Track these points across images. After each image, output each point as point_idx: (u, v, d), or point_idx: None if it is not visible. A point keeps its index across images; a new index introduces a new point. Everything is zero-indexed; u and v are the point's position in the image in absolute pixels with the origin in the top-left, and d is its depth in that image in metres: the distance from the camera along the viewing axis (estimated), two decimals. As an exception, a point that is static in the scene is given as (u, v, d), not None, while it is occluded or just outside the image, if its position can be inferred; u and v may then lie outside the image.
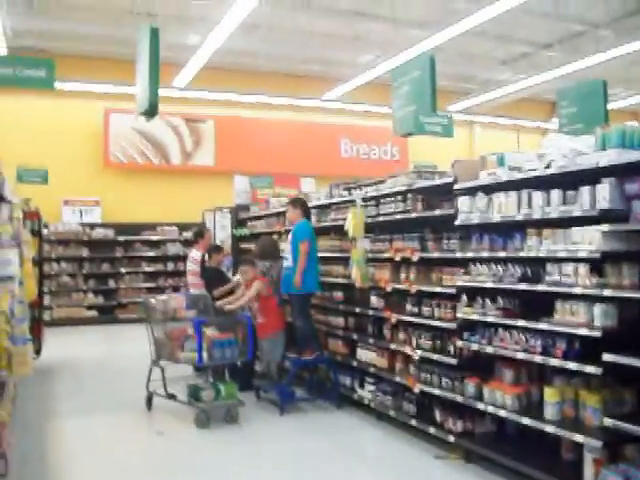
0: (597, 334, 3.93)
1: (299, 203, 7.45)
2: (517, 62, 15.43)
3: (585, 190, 4.09)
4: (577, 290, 4.10)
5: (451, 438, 5.22)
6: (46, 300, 13.00)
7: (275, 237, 8.91)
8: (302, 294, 7.05)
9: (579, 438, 4.07)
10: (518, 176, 4.66)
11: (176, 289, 12.59)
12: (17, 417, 6.28)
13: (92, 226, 14.64)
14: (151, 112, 6.76)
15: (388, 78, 7.45)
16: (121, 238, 14.80)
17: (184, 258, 14.69)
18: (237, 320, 6.89)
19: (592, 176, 4.06)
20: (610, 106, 7.28)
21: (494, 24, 11.48)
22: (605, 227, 3.88)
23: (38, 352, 9.20)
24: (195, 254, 8.61)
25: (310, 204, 8.02)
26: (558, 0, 11.41)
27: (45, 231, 12.84)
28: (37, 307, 8.90)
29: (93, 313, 14.37)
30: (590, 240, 4.03)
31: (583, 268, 4.10)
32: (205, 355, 6.34)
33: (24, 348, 4.55)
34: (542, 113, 18.84)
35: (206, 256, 8.43)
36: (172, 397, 6.75)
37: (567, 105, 7.58)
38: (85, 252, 14.48)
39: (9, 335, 3.84)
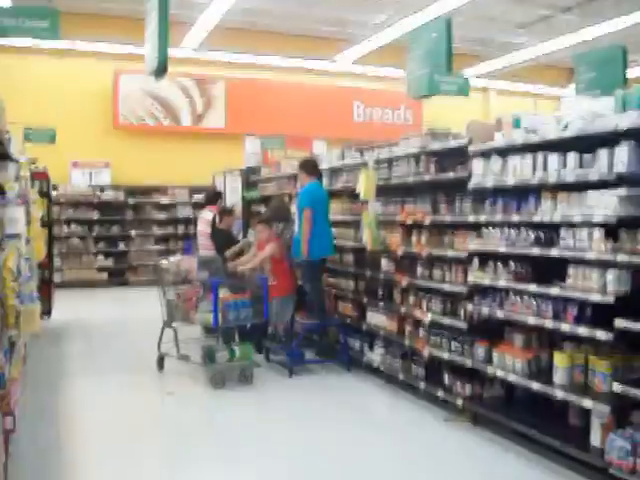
0: (609, 300, 3.92)
1: (308, 165, 7.38)
2: (535, 26, 15.13)
3: (603, 153, 4.03)
4: (591, 255, 4.08)
5: (459, 401, 5.25)
6: (56, 262, 13.08)
7: (286, 199, 8.89)
8: (310, 260, 7.02)
9: (588, 403, 4.08)
10: (534, 138, 4.59)
11: (186, 251, 12.61)
12: (28, 376, 6.37)
13: (102, 188, 14.65)
14: (160, 72, 6.71)
15: (402, 41, 7.39)
16: (131, 200, 14.82)
17: (195, 221, 14.81)
18: (253, 281, 6.92)
19: (611, 139, 3.99)
20: (630, 73, 7.16)
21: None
22: (622, 191, 3.83)
23: (48, 313, 9.31)
24: (207, 215, 8.63)
25: (322, 166, 7.98)
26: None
27: (54, 193, 12.86)
28: (46, 268, 8.96)
29: (103, 275, 14.46)
30: (606, 205, 3.98)
31: (598, 233, 4.06)
32: (220, 316, 6.39)
33: (32, 306, 4.58)
34: (560, 79, 18.53)
35: (217, 218, 8.44)
36: (185, 358, 6.80)
37: (585, 71, 7.46)
38: (95, 214, 14.52)
39: (16, 293, 3.86)
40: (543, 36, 14.55)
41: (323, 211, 7.10)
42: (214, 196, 9.13)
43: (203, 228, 8.57)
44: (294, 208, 7.80)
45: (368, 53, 14.80)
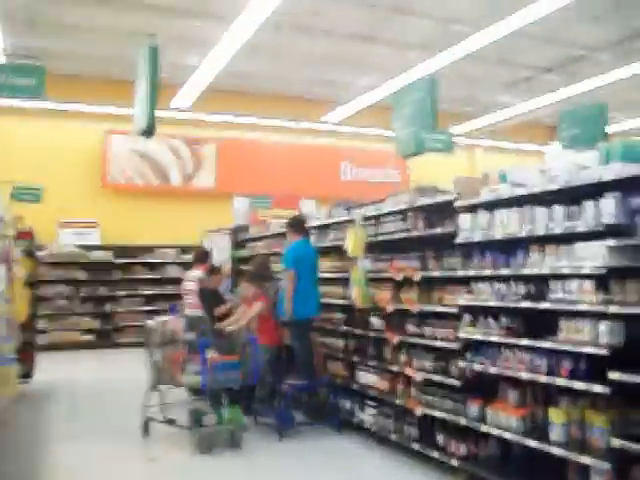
0: (603, 352, 3.86)
1: (294, 223, 7.43)
2: (518, 85, 15.50)
3: (589, 205, 4.05)
4: (582, 307, 4.03)
5: (454, 462, 5.11)
6: (41, 323, 12.88)
7: (269, 257, 8.80)
8: (295, 320, 6.97)
9: (586, 460, 3.97)
10: (520, 192, 4.61)
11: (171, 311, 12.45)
12: (7, 442, 6.16)
13: (90, 248, 14.55)
14: (148, 131, 6.76)
15: (389, 101, 7.50)
16: (119, 260, 14.73)
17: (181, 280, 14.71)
18: (242, 342, 6.81)
19: (596, 191, 4.01)
20: (610, 129, 7.30)
21: (495, 47, 11.55)
22: (610, 242, 3.82)
23: (29, 376, 9.09)
24: (197, 274, 8.63)
25: (310, 224, 7.99)
26: (558, 24, 11.47)
27: (41, 253, 12.78)
28: (29, 329, 8.79)
29: (90, 337, 14.22)
30: (595, 256, 3.97)
31: (588, 284, 4.03)
32: (208, 378, 6.24)
33: (8, 369, 4.45)
34: (542, 137, 18.87)
35: (205, 277, 8.39)
36: (171, 422, 6.63)
37: (568, 127, 7.61)
38: (82, 275, 14.39)
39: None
40: (526, 95, 14.87)
41: (308, 270, 7.06)
42: (203, 255, 9.12)
43: (191, 287, 8.53)
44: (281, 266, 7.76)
45: (355, 113, 15.03)
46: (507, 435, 4.63)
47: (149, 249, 15.03)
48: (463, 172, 18.03)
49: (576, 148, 7.33)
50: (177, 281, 14.61)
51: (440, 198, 5.65)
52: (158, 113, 6.58)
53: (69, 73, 13.94)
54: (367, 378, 6.62)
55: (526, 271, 4.50)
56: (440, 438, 5.37)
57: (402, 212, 6.18)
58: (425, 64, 11.76)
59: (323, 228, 7.86)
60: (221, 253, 11.31)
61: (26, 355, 8.56)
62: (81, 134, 14.97)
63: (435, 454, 5.36)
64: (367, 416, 6.48)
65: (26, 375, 8.91)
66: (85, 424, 7.40)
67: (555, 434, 4.29)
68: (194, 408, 6.55)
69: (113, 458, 6.15)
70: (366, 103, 14.29)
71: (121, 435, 6.80)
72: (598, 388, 3.90)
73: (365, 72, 14.39)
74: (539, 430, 4.51)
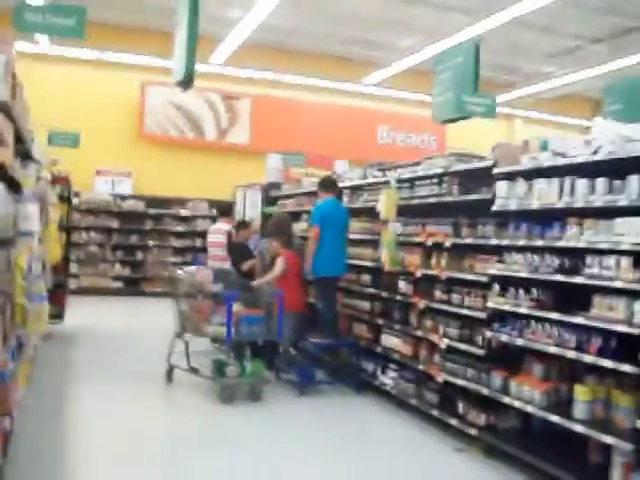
0: (637, 332, 3.73)
1: (325, 182, 7.42)
2: (563, 56, 15.01)
3: (634, 179, 3.87)
4: (618, 284, 3.90)
5: (473, 431, 5.06)
6: (73, 268, 13.09)
7: (286, 215, 8.67)
8: (320, 278, 6.97)
9: (609, 440, 3.88)
10: (562, 161, 4.44)
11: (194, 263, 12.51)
12: (35, 379, 6.27)
13: (123, 197, 14.67)
14: (187, 82, 6.68)
15: (429, 65, 7.30)
16: (151, 211, 14.79)
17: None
18: (267, 297, 6.80)
19: (642, 165, 3.84)
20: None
21: (541, 15, 11.16)
22: (653, 218, 3.67)
23: (60, 317, 9.22)
24: (224, 226, 8.67)
25: (342, 184, 7.88)
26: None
27: (76, 200, 12.88)
28: (62, 273, 8.89)
29: (119, 284, 14.41)
30: (635, 232, 3.81)
31: (625, 261, 3.88)
32: (233, 330, 6.26)
33: (40, 306, 4.48)
34: (585, 111, 18.35)
35: (233, 231, 8.38)
36: (194, 371, 6.69)
37: (612, 102, 7.35)
38: (114, 223, 14.51)
39: (26, 292, 3.76)
40: (571, 67, 14.41)
41: (335, 229, 7.01)
42: (227, 208, 9.36)
43: (218, 239, 8.53)
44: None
45: (395, 76, 14.73)
46: (529, 408, 4.54)
47: (181, 201, 15.07)
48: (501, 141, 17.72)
49: (622, 122, 7.12)
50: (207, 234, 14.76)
51: (477, 164, 5.50)
52: (196, 67, 6.50)
53: (108, 22, 13.83)
54: (391, 341, 6.57)
55: (561, 243, 4.36)
56: (460, 406, 5.31)
57: (438, 176, 6.03)
58: (469, 29, 11.41)
59: (356, 189, 7.75)
60: (252, 209, 11.26)
61: (57, 297, 8.67)
62: (119, 83, 14.94)
63: (454, 422, 5.31)
64: (388, 379, 6.44)
65: (57, 316, 9.04)
66: (111, 367, 7.50)
67: (578, 411, 4.20)
68: (217, 359, 6.59)
69: (136, 400, 6.23)
70: (407, 66, 13.98)
71: (145, 379, 6.88)
72: (627, 367, 3.79)
73: (407, 34, 14.06)
74: (562, 406, 4.42)
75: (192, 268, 7.07)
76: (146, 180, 14.93)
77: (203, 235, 14.89)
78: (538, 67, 15.89)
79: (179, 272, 6.96)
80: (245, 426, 5.56)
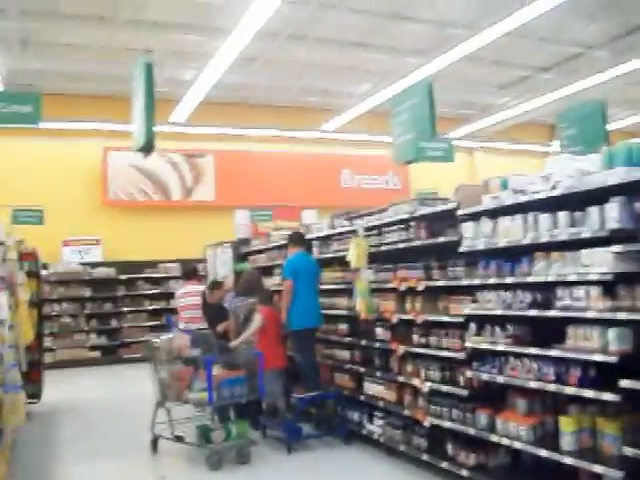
0: (613, 359, 3.80)
1: (293, 236, 7.59)
2: (515, 86, 15.47)
3: (593, 211, 3.99)
4: (590, 314, 3.98)
5: (464, 472, 5.04)
6: (47, 342, 12.86)
7: (255, 272, 8.71)
8: (295, 331, 7.04)
9: (598, 469, 3.90)
10: (523, 199, 4.56)
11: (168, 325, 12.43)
12: (17, 463, 6.12)
13: (93, 265, 14.56)
14: (148, 148, 6.72)
15: (387, 107, 7.45)
16: (123, 276, 14.70)
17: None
18: (247, 357, 6.77)
19: (600, 196, 3.95)
20: (610, 127, 7.26)
21: (491, 49, 11.52)
22: (616, 248, 3.77)
23: (38, 396, 9.05)
24: (200, 287, 8.74)
25: (312, 235, 7.97)
26: (553, 23, 11.44)
27: (45, 272, 12.76)
28: (36, 350, 8.75)
29: (96, 354, 14.20)
30: (601, 262, 3.91)
31: (595, 291, 3.97)
32: (214, 394, 6.20)
33: (16, 396, 4.40)
34: (542, 136, 18.85)
35: (206, 292, 8.38)
36: (179, 439, 6.59)
37: (567, 127, 7.55)
38: (87, 292, 14.37)
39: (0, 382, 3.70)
40: (524, 96, 14.83)
41: (307, 281, 7.10)
42: (193, 270, 9.42)
43: (195, 301, 8.53)
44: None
45: (354, 120, 15.00)
46: (517, 444, 4.56)
47: (152, 264, 14.99)
48: (464, 175, 18.04)
49: (577, 147, 7.30)
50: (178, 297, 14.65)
51: (441, 207, 5.61)
52: (156, 128, 6.56)
53: (66, 92, 13.94)
54: (374, 389, 6.57)
55: (531, 279, 4.45)
56: (449, 448, 5.31)
57: (404, 222, 6.13)
58: (422, 69, 11.72)
59: (325, 239, 7.82)
60: (223, 267, 11.25)
61: (34, 375, 8.53)
62: (80, 152, 14.98)
63: (444, 464, 5.29)
64: (375, 427, 6.42)
65: (34, 395, 8.87)
66: (95, 443, 7.36)
67: (566, 443, 4.23)
68: (202, 424, 6.50)
69: (123, 476, 6.14)
70: (364, 110, 14.26)
71: (131, 453, 6.77)
72: (608, 396, 3.84)
73: (362, 79, 14.39)
74: (549, 438, 4.45)
75: (169, 335, 7.02)
76: (115, 246, 14.86)
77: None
78: (492, 99, 16.31)
79: (156, 340, 6.91)
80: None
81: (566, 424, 4.27)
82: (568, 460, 4.12)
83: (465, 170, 18.51)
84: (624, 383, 3.65)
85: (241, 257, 10.90)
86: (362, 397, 6.71)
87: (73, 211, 14.62)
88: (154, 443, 6.66)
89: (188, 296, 8.76)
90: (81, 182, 14.96)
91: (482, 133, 17.43)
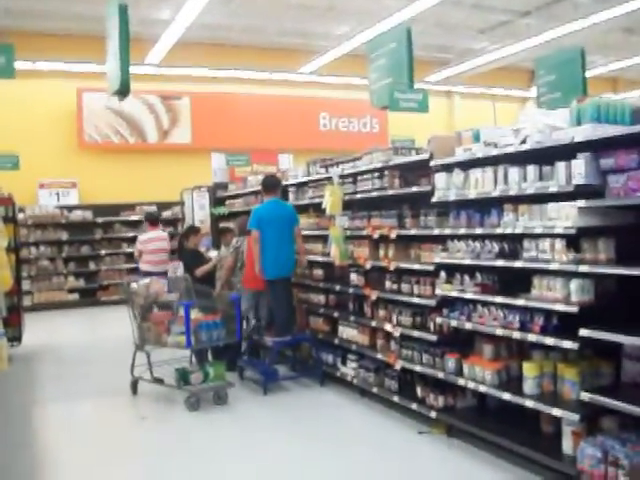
0: (574, 309, 3.96)
1: (266, 183, 7.38)
2: (495, 31, 15.34)
3: (561, 166, 4.08)
4: (554, 266, 4.12)
5: (433, 414, 5.26)
6: (26, 285, 12.92)
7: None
8: (269, 280, 7.02)
9: (557, 412, 4.12)
10: (493, 152, 4.64)
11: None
12: (1, 405, 6.26)
13: (70, 208, 14.48)
14: (123, 91, 6.67)
15: (366, 49, 7.41)
16: (100, 219, 14.66)
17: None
18: (224, 301, 6.89)
19: (568, 151, 4.04)
20: (588, 74, 7.28)
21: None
22: (581, 203, 3.88)
23: (19, 339, 9.15)
24: (160, 234, 9.38)
25: (288, 182, 8.00)
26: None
27: (21, 215, 12.70)
28: (15, 294, 8.81)
29: (75, 296, 14.27)
30: (566, 216, 4.03)
31: (559, 244, 4.10)
32: (193, 338, 6.33)
33: (-1, 342, 4.48)
34: (521, 81, 18.82)
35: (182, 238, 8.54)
36: (159, 381, 6.73)
37: (545, 73, 7.58)
38: (64, 235, 14.33)
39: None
40: (503, 40, 14.74)
41: (276, 230, 6.95)
42: (157, 217, 10.00)
43: (163, 246, 9.17)
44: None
45: (332, 62, 14.84)
46: (482, 388, 4.77)
47: (129, 207, 14.94)
48: (442, 119, 18.04)
49: (555, 94, 7.34)
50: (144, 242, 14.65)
51: (415, 157, 5.67)
52: (132, 69, 6.48)
53: (37, 31, 13.58)
54: (348, 333, 6.74)
55: (500, 230, 4.57)
56: (419, 390, 5.51)
57: (378, 170, 6.19)
58: (402, 11, 11.58)
59: (301, 186, 7.87)
60: (201, 210, 11.30)
61: (13, 319, 8.61)
62: (54, 93, 14.69)
63: (414, 406, 5.51)
64: (349, 369, 6.61)
65: (15, 338, 8.98)
66: (76, 384, 7.49)
67: (528, 387, 4.43)
68: (181, 368, 6.64)
69: (106, 416, 6.31)
70: (343, 52, 14.11)
71: (111, 394, 6.92)
72: (568, 344, 4.02)
73: (341, 21, 14.17)
74: (513, 383, 4.67)
75: (146, 280, 7.09)
76: (92, 189, 14.77)
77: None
78: (472, 43, 16.18)
79: (133, 285, 6.99)
80: (213, 433, 5.65)
81: (529, 369, 4.46)
82: (530, 403, 4.33)
83: (443, 115, 18.50)
84: (583, 332, 3.82)
85: (218, 201, 10.94)
86: (336, 340, 6.89)
87: (48, 154, 14.44)
88: (134, 385, 6.81)
89: (157, 241, 9.17)
90: (56, 124, 14.72)
91: (461, 78, 17.34)
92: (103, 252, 14.62)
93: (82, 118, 14.87)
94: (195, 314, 6.55)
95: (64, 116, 14.80)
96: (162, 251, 9.20)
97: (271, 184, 7.32)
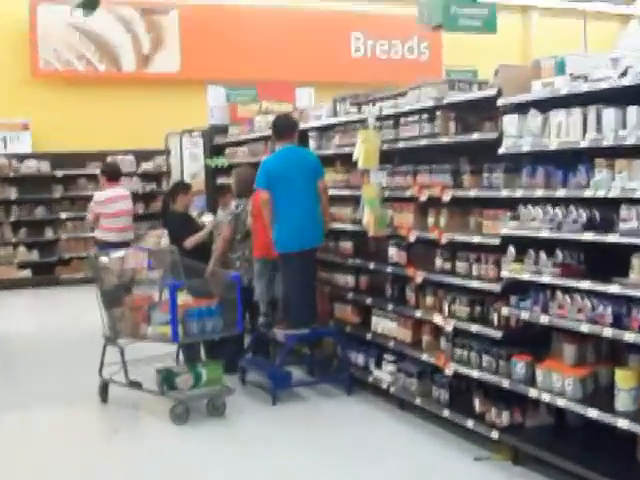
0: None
1: (278, 125, 7.38)
2: None
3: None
4: (662, 241, 4.10)
5: (495, 434, 5.27)
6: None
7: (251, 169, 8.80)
8: (281, 254, 7.05)
9: (661, 435, 4.12)
10: (583, 88, 4.58)
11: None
12: None
13: (20, 158, 14.60)
14: (90, 3, 6.69)
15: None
16: (59, 173, 14.76)
17: (144, 197, 14.80)
18: (222, 280, 6.94)
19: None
20: None
21: None
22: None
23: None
24: (121, 191, 9.62)
25: (307, 125, 8.00)
26: None
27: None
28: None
29: (26, 273, 14.47)
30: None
31: (670, 212, 4.08)
32: (180, 329, 6.37)
33: None
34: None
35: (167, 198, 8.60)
36: (135, 385, 6.80)
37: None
38: (12, 193, 14.46)
39: None
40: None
41: (292, 187, 6.94)
42: (119, 170, 10.18)
43: (127, 206, 9.45)
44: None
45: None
46: (561, 402, 4.76)
47: (98, 156, 14.87)
48: (515, 45, 17.82)
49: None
50: (136, 197, 14.75)
51: (478, 93, 5.63)
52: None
53: None
54: (384, 326, 6.76)
55: (589, 193, 4.53)
56: (477, 403, 5.53)
57: (428, 111, 6.15)
58: None
59: (325, 130, 7.86)
60: (192, 162, 11.33)
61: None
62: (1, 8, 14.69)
63: (470, 423, 5.53)
64: (385, 374, 6.65)
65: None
66: (28, 387, 7.60)
67: (622, 401, 4.42)
68: (164, 368, 6.72)
69: (68, 430, 6.40)
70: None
71: (74, 401, 7.05)
72: (678, 345, 4.00)
73: None
74: (602, 396, 4.65)
75: (120, 252, 7.12)
76: (49, 132, 14.83)
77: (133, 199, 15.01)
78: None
79: (103, 259, 7.04)
80: (207, 454, 5.71)
81: (623, 379, 4.44)
82: (623, 423, 4.32)
83: (517, 37, 18.27)
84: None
85: (216, 150, 10.96)
86: (369, 336, 6.93)
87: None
88: (103, 389, 6.90)
89: (120, 200, 9.40)
90: (2, 47, 14.76)
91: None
92: (64, 215, 14.75)
93: (36, 39, 14.91)
94: (184, 298, 6.60)
95: (12, 37, 14.84)
96: (126, 213, 9.40)
97: (285, 127, 7.32)
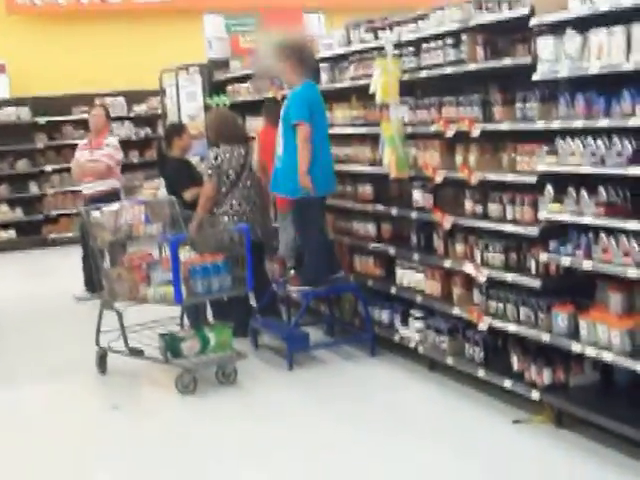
0: None
1: (294, 51, 7.29)
2: None
3: None
4: None
5: (535, 394, 5.33)
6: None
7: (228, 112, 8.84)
8: (306, 199, 7.01)
9: None
10: (627, 3, 4.55)
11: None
12: None
13: (-3, 103, 14.64)
14: None
15: None
16: (42, 120, 14.78)
17: (138, 144, 14.82)
18: (229, 233, 6.99)
19: None
20: None
21: None
22: None
23: None
24: (112, 140, 9.88)
25: (318, 55, 7.96)
26: None
27: None
28: None
29: (10, 233, 14.59)
30: None
31: None
32: (183, 289, 6.42)
33: None
34: None
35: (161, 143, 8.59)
36: (136, 353, 6.89)
37: None
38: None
39: None
40: None
41: (324, 125, 7.10)
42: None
43: (112, 152, 9.66)
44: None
45: None
46: (608, 356, 4.80)
47: (85, 99, 14.87)
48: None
49: None
50: (127, 145, 14.78)
51: (508, 13, 5.59)
52: None
53: None
54: (410, 278, 6.81)
55: (635, 121, 4.53)
56: (515, 361, 5.59)
57: (453, 34, 6.13)
58: None
59: (338, 60, 7.84)
60: (190, 101, 11.31)
61: None
62: None
63: (508, 383, 5.59)
64: (412, 332, 6.70)
65: None
66: (18, 360, 7.71)
67: (676, 354, 4.48)
68: (167, 333, 6.79)
69: (63, 405, 6.48)
70: None
71: (69, 373, 7.13)
72: None
73: None
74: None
75: (114, 206, 7.15)
76: (28, 74, 14.81)
77: (124, 146, 15.02)
78: None
79: (95, 214, 7.07)
80: (216, 428, 5.78)
81: (677, 327, 4.50)
82: (677, 376, 4.39)
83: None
84: None
85: (216, 87, 10.93)
86: (393, 290, 6.98)
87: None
88: (101, 360, 6.99)
89: (107, 150, 9.69)
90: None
91: None
92: (49, 168, 14.82)
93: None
94: (186, 254, 6.66)
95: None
96: (98, 161, 9.64)
97: (308, 56, 7.40)
